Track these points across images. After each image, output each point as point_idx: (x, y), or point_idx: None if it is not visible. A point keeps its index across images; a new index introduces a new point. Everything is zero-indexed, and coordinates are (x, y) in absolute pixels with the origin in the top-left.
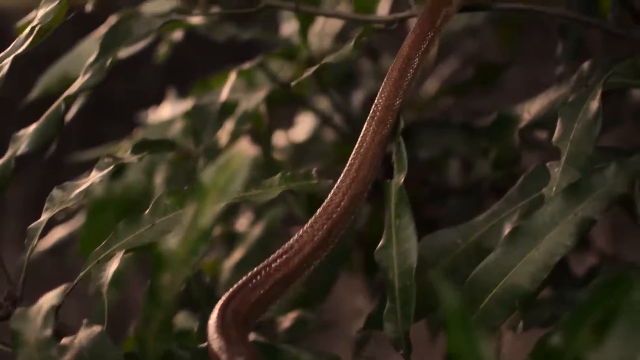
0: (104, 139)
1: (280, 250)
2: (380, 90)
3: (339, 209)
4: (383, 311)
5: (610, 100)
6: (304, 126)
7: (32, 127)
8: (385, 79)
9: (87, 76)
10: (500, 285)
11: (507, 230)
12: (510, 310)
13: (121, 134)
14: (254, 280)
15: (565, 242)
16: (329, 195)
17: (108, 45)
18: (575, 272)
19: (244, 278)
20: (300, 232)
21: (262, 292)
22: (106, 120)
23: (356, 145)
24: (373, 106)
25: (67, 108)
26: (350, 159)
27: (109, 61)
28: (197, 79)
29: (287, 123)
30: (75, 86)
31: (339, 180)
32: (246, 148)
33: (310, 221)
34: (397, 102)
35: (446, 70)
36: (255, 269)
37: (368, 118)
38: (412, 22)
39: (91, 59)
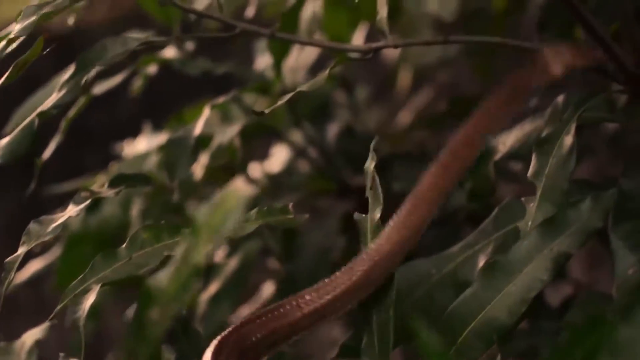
0: (82, 169)
1: (315, 286)
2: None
3: (382, 254)
4: (357, 340)
5: (584, 131)
6: (278, 157)
7: (4, 140)
8: (460, 128)
9: (62, 93)
10: (479, 318)
11: (481, 261)
12: (489, 343)
13: (99, 164)
14: (269, 315)
15: (541, 277)
16: (377, 238)
17: (84, 63)
18: (550, 302)
19: (266, 308)
20: (338, 272)
21: (285, 323)
22: (84, 151)
23: (412, 190)
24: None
25: (47, 130)
26: (404, 202)
27: (84, 79)
28: (175, 112)
29: (262, 153)
30: (50, 102)
31: (390, 222)
32: (241, 187)
33: (351, 261)
34: (466, 152)
35: (421, 101)
36: (271, 305)
37: (432, 162)
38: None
39: (66, 75)
